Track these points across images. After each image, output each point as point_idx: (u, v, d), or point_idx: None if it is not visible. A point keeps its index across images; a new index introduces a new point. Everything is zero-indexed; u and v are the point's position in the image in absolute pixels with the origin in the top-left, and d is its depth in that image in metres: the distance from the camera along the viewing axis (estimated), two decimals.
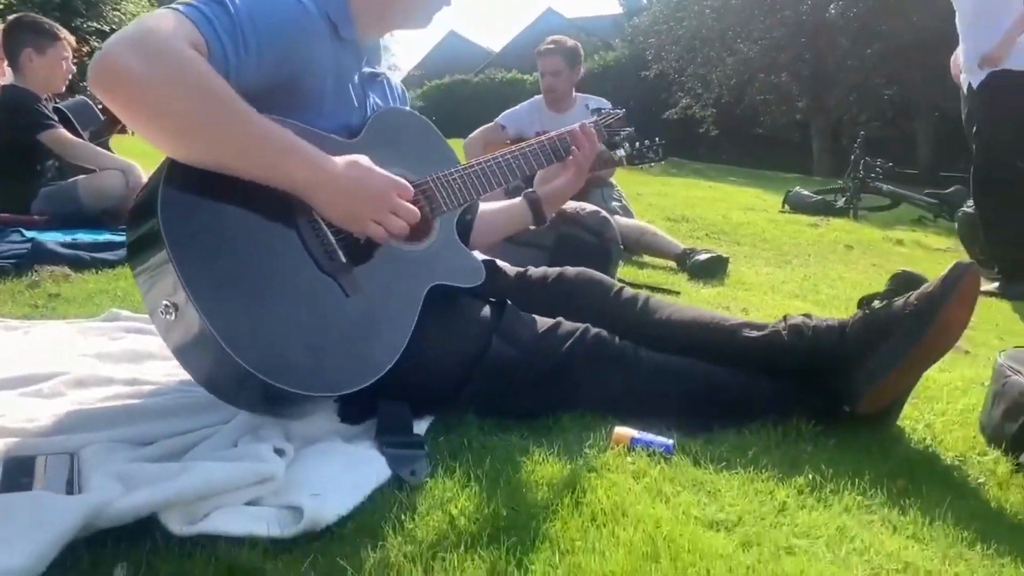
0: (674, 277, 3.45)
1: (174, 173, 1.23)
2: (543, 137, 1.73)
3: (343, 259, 1.33)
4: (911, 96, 15.91)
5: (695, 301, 2.91)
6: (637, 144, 3.50)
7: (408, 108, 1.71)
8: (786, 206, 7.30)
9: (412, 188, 1.40)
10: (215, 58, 1.23)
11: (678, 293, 3.06)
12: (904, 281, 1.59)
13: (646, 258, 3.84)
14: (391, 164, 1.39)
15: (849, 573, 1.08)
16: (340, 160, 1.33)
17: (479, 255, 1.64)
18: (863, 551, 1.15)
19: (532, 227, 1.84)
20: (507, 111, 4.37)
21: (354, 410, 1.42)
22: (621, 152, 1.90)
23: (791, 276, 3.99)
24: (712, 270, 3.56)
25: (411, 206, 1.38)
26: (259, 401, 1.28)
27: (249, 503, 1.12)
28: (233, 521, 1.06)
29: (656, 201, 6.46)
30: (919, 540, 1.20)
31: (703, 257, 3.59)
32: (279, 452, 1.23)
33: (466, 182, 1.53)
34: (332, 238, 1.32)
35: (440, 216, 1.51)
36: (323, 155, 1.31)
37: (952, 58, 4.38)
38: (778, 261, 4.50)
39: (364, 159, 1.36)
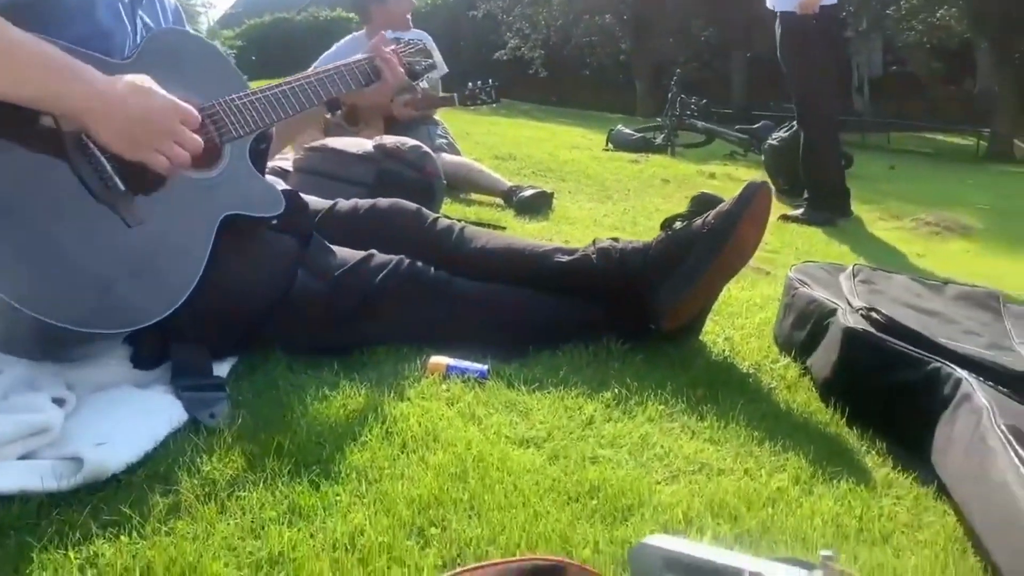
0: (500, 213, 3.46)
1: None
2: (340, 63, 1.65)
3: (121, 187, 1.21)
4: (726, 39, 16.68)
5: (521, 235, 2.94)
6: (471, 85, 3.49)
7: (188, 29, 1.58)
8: (609, 144, 7.48)
9: (198, 115, 1.30)
10: None
11: (504, 228, 3.07)
12: (703, 202, 1.66)
13: (473, 196, 3.83)
14: (173, 88, 1.28)
15: (649, 476, 1.13)
16: (120, 82, 1.21)
17: (280, 184, 1.56)
18: (663, 456, 1.20)
19: (328, 115, 1.76)
20: (326, 53, 4.16)
21: (147, 355, 1.32)
22: (424, 84, 1.86)
23: (612, 210, 4.11)
24: (537, 206, 3.59)
25: (194, 136, 1.27)
26: (36, 344, 1.18)
27: (23, 457, 1.03)
28: (1, 477, 0.96)
29: (484, 140, 6.43)
30: (715, 442, 1.27)
31: (528, 193, 3.62)
32: (58, 402, 1.12)
33: (257, 107, 1.43)
34: (107, 165, 1.20)
35: (231, 142, 1.41)
36: (100, 76, 1.19)
37: None
38: (600, 196, 4.62)
39: (146, 79, 1.25)
